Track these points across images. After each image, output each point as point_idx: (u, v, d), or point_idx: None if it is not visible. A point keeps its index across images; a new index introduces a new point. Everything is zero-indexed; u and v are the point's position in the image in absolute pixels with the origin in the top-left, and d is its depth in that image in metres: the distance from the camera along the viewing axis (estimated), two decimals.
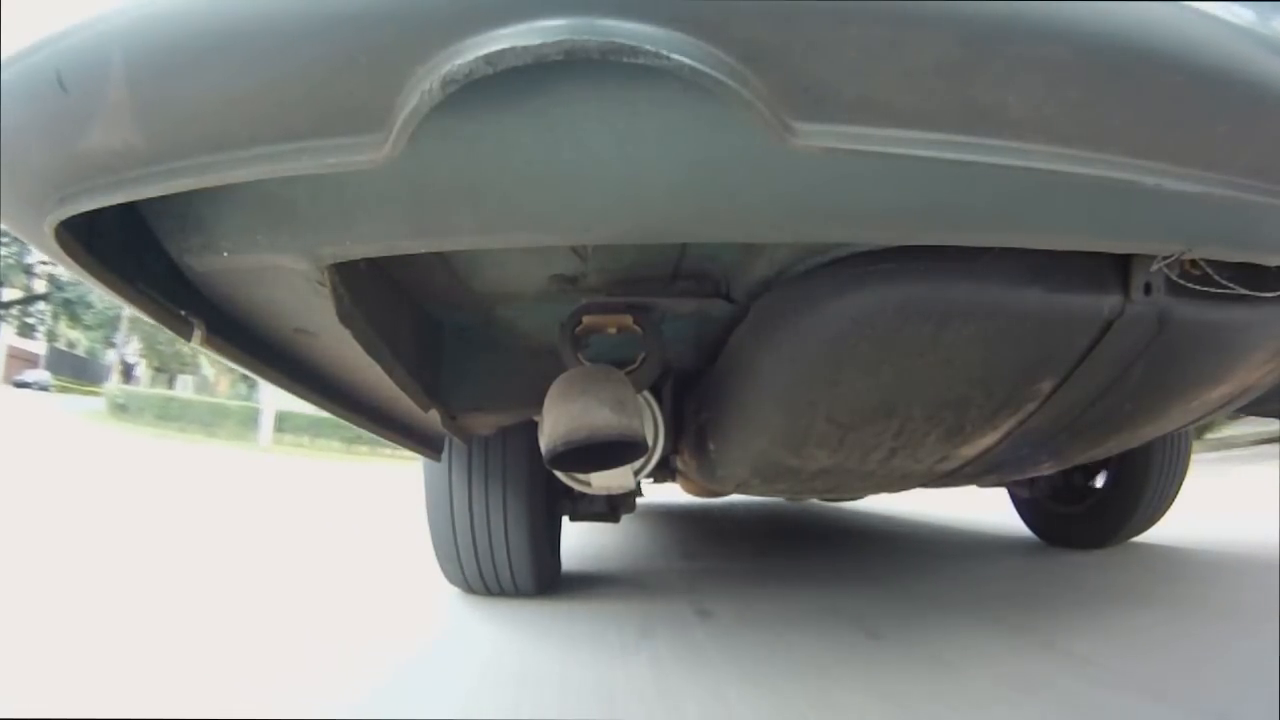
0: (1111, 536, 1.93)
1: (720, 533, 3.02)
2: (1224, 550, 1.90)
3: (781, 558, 2.27)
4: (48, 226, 0.53)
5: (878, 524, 3.00)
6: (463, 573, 1.49)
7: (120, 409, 15.59)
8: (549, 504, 1.51)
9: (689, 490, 2.50)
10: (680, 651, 1.15)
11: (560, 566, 1.70)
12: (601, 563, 2.11)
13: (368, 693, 1.00)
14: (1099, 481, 1.95)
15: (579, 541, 2.35)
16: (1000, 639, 1.15)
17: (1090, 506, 1.96)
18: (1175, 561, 1.80)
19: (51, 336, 30.51)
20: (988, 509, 2.78)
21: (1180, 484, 1.87)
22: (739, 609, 1.45)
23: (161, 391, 20.15)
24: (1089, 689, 0.91)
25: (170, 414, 15.01)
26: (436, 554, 1.49)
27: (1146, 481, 1.80)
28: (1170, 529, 2.00)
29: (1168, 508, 1.91)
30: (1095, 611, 1.29)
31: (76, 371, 31.43)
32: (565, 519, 1.66)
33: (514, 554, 1.44)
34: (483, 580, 1.49)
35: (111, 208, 0.52)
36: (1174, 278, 0.79)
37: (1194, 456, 1.91)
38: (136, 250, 0.64)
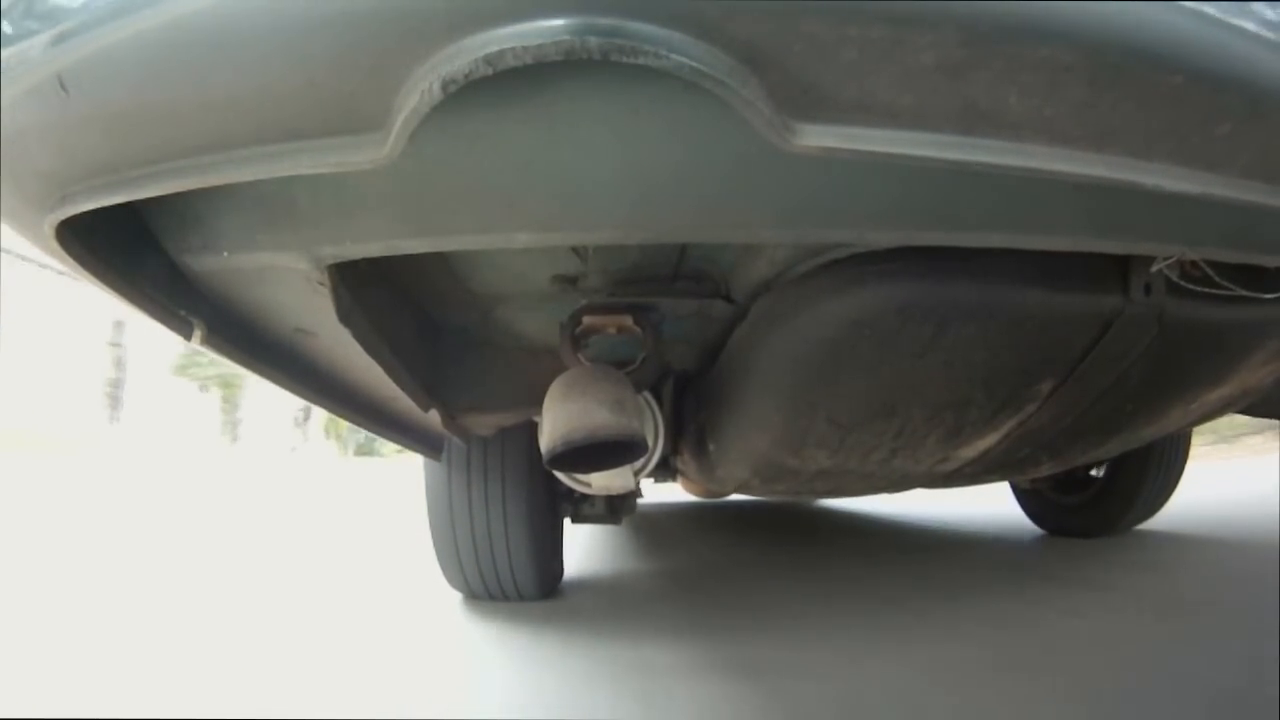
0: (1113, 526, 1.94)
1: (713, 526, 3.01)
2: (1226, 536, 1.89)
3: (786, 553, 2.26)
4: (48, 226, 0.53)
5: (857, 520, 2.99)
6: (464, 576, 1.49)
7: None
8: (550, 506, 1.51)
9: (689, 490, 2.51)
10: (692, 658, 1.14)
11: (563, 570, 1.69)
12: (604, 564, 2.10)
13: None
14: (1098, 471, 1.96)
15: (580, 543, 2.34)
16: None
17: (1091, 496, 1.97)
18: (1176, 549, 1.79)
19: None
20: (982, 499, 2.77)
21: (1181, 473, 1.88)
22: (742, 607, 1.45)
23: None
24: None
25: None
26: (438, 557, 1.49)
27: (1146, 471, 1.81)
28: (1171, 516, 1.99)
29: (1169, 496, 1.92)
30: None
31: None
32: (567, 521, 1.66)
33: (515, 556, 1.43)
34: (484, 583, 1.49)
35: (111, 207, 0.52)
36: (1174, 278, 0.79)
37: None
38: (136, 250, 0.64)
